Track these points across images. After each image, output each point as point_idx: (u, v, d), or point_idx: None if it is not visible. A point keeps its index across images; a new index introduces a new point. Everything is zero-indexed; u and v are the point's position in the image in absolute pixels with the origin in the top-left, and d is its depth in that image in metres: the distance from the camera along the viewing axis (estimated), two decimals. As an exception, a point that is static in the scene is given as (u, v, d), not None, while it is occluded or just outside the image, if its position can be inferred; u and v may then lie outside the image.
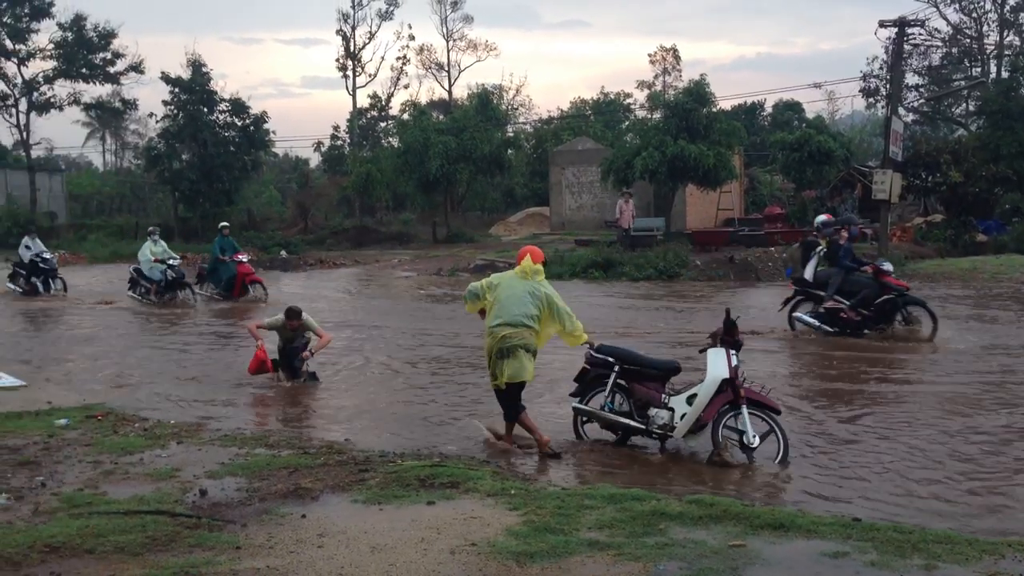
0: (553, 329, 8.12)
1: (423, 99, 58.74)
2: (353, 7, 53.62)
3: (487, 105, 41.15)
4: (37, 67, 47.21)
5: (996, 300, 19.11)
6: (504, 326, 7.86)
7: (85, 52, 46.49)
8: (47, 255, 23.25)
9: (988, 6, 46.71)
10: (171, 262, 20.73)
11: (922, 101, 48.67)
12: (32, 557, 5.01)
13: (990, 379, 11.12)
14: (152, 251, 21.12)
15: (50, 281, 22.89)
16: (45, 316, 19.26)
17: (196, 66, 43.20)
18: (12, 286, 23.11)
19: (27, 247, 23.10)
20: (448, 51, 62.99)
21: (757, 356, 12.29)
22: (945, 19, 46.76)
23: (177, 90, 42.75)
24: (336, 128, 59.38)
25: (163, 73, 42.84)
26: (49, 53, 46.65)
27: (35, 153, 53.67)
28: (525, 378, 7.90)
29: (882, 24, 27.97)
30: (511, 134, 47.32)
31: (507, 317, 7.87)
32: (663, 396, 7.91)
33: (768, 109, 58.90)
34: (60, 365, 12.74)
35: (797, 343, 14.14)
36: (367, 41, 54.65)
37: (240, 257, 21.20)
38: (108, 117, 62.04)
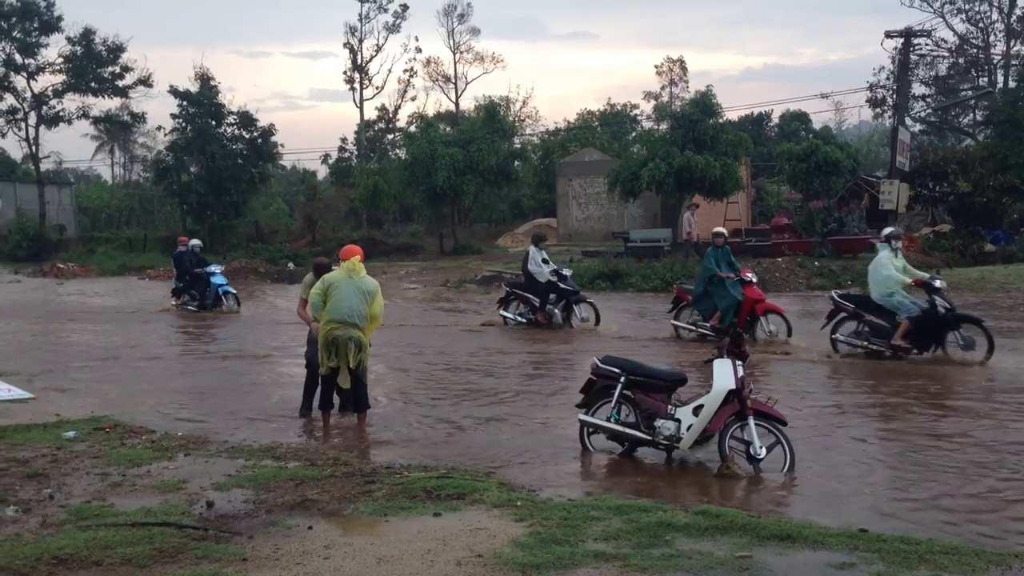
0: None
1: (430, 111, 59.02)
2: (360, 20, 54.05)
3: (494, 117, 41.27)
4: (46, 81, 47.70)
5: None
6: (333, 322, 8.90)
7: (94, 66, 46.85)
8: (566, 271, 17.97)
9: (995, 16, 46.79)
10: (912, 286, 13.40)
11: (929, 111, 48.71)
12: (40, 569, 5.03)
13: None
14: (894, 266, 13.28)
15: (573, 308, 17.64)
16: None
17: (204, 79, 43.50)
18: (508, 313, 18.13)
19: (544, 260, 17.80)
20: (455, 63, 63.33)
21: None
22: (952, 29, 46.87)
23: (185, 103, 43.02)
24: (343, 140, 59.79)
25: (171, 86, 43.20)
26: (58, 67, 47.08)
27: (44, 166, 54.09)
28: (366, 364, 9.08)
29: (888, 35, 28.10)
30: (518, 146, 47.42)
31: (336, 315, 8.90)
32: (669, 407, 7.90)
33: (775, 120, 58.98)
34: (69, 377, 12.77)
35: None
36: (374, 54, 54.90)
37: (748, 276, 15.32)
38: (117, 130, 62.52)
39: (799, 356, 13.58)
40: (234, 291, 21.85)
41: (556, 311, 17.53)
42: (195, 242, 22.73)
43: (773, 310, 15.16)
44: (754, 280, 15.30)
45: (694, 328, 15.53)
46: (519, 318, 17.86)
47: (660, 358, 12.83)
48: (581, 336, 16.64)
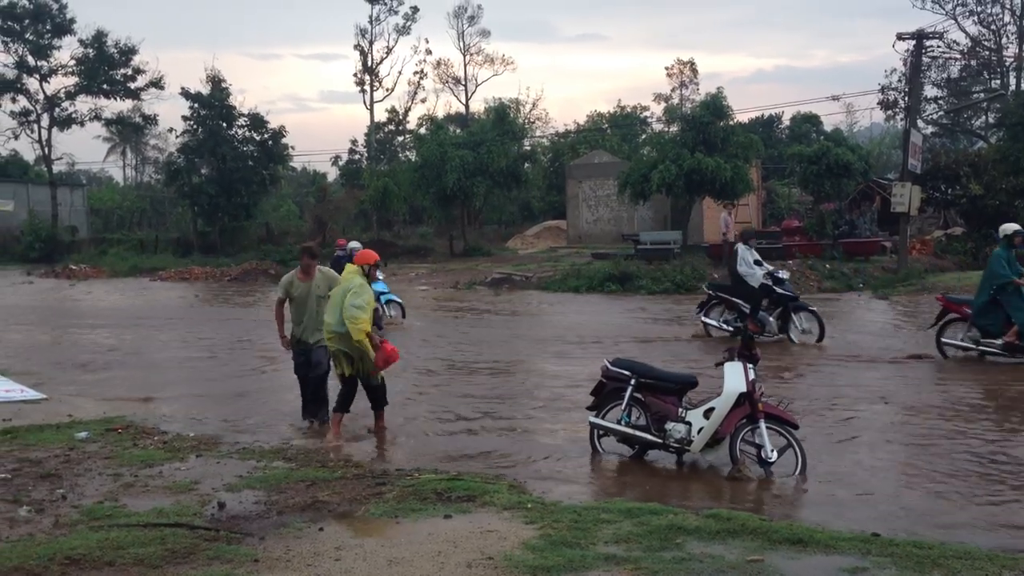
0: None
1: (440, 113, 59.08)
2: (371, 22, 53.96)
3: (504, 119, 41.24)
4: (59, 83, 47.92)
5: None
6: (327, 331, 8.98)
7: (106, 68, 47.06)
8: (782, 274, 15.60)
9: (1007, 18, 46.60)
10: None
11: (941, 113, 48.56)
12: (53, 569, 5.06)
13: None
14: None
15: (792, 317, 15.10)
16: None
17: (215, 81, 43.62)
18: (711, 320, 15.78)
19: (757, 262, 15.55)
20: (465, 65, 63.27)
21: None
22: (963, 31, 46.67)
23: (197, 105, 43.16)
24: (354, 142, 59.89)
25: (183, 88, 43.32)
26: (71, 69, 47.28)
27: (57, 168, 54.28)
28: (367, 370, 8.90)
29: (900, 37, 27.96)
30: (528, 148, 47.43)
31: (325, 324, 9.01)
32: (680, 410, 7.88)
33: (786, 122, 58.78)
34: (82, 378, 12.83)
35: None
36: (385, 56, 54.81)
37: None
38: (128, 132, 62.84)
39: None
40: (399, 299, 18.67)
41: (771, 319, 15.04)
42: (354, 244, 17.19)
43: None
44: None
45: (973, 346, 13.03)
46: (724, 327, 15.38)
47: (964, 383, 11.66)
48: (801, 353, 14.05)
